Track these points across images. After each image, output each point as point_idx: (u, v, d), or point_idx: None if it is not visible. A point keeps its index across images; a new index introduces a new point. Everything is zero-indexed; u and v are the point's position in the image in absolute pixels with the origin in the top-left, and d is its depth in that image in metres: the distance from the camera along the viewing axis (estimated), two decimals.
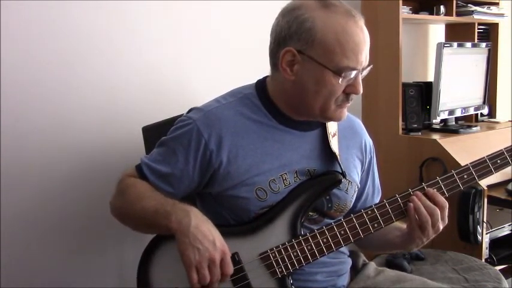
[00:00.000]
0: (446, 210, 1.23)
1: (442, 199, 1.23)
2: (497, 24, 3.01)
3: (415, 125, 2.53)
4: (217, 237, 1.14)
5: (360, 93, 1.21)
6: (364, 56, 1.19)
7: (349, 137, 1.38)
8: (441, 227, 1.23)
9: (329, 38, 1.15)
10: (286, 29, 1.19)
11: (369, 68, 1.22)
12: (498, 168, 1.28)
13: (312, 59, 1.17)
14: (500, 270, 1.91)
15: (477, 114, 2.96)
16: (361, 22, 1.19)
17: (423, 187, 1.25)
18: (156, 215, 1.16)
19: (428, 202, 1.22)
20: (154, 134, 1.47)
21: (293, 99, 1.24)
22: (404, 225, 1.28)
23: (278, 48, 1.21)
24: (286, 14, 1.20)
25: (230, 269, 1.14)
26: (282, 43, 1.20)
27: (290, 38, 1.18)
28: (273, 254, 1.20)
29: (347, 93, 1.21)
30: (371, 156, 1.44)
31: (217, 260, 1.12)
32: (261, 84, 1.31)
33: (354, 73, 1.18)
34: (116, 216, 1.29)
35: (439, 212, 1.21)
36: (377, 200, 1.47)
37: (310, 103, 1.21)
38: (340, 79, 1.17)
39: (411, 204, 1.22)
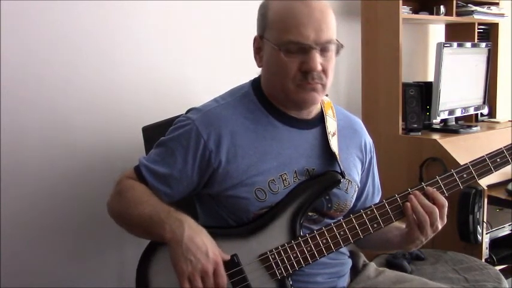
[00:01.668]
0: (446, 209, 1.23)
1: (441, 197, 1.23)
2: (497, 24, 3.01)
3: (415, 125, 2.53)
4: (210, 248, 1.13)
5: (314, 69, 1.19)
6: (313, 31, 1.18)
7: (349, 136, 1.38)
8: (440, 227, 1.23)
9: (275, 17, 1.22)
10: (256, 22, 1.28)
11: (332, 46, 1.21)
12: (498, 167, 1.28)
13: (268, 41, 1.23)
14: (500, 270, 1.91)
15: (477, 114, 2.96)
16: (315, 3, 1.21)
17: (422, 187, 1.24)
18: (151, 222, 1.16)
19: (426, 201, 1.22)
20: (154, 134, 1.47)
21: (270, 88, 1.28)
22: (403, 225, 1.27)
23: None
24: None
25: (223, 280, 1.14)
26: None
27: (256, 28, 1.28)
28: (273, 256, 1.20)
29: (303, 72, 1.20)
30: (371, 156, 1.44)
31: (210, 271, 1.12)
32: (256, 82, 1.33)
33: (299, 47, 1.18)
34: (112, 218, 1.29)
35: (437, 211, 1.21)
36: (377, 199, 1.46)
37: (275, 87, 1.25)
38: (282, 53, 1.19)
39: (408, 203, 1.22)
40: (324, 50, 1.20)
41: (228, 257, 1.17)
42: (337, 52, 1.25)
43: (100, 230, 1.92)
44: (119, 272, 2.02)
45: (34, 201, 1.82)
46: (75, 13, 1.84)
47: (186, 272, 1.10)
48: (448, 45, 2.54)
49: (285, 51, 1.19)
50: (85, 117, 1.90)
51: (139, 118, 1.85)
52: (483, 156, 1.28)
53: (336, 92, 2.66)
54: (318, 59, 1.19)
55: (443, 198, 1.23)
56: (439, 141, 2.39)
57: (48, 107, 1.82)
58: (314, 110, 1.32)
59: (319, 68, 1.19)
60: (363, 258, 1.49)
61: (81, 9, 1.84)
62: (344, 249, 1.36)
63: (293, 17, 1.19)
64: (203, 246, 1.12)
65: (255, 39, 1.28)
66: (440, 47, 2.48)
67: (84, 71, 1.89)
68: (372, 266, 1.48)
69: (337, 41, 1.23)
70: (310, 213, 1.27)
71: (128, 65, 1.99)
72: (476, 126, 2.73)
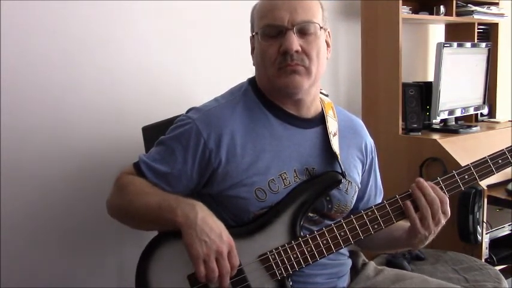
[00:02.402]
0: (447, 205, 1.21)
1: (440, 193, 1.21)
2: (497, 24, 3.01)
3: (415, 125, 2.53)
4: (223, 230, 1.14)
5: (290, 48, 1.19)
6: (288, 13, 1.20)
7: (350, 137, 1.38)
8: (443, 221, 1.21)
9: (257, 10, 1.28)
10: None
11: (312, 28, 1.22)
12: (499, 168, 1.27)
13: (254, 34, 1.28)
14: (500, 270, 1.91)
15: (477, 114, 2.96)
16: None
17: None
18: (160, 210, 1.16)
19: (429, 190, 1.20)
20: (154, 134, 1.47)
21: (261, 81, 1.30)
22: (408, 224, 1.26)
23: None
24: None
25: (237, 261, 1.14)
26: None
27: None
28: (273, 256, 1.20)
29: (283, 54, 1.21)
30: (372, 157, 1.43)
31: (225, 252, 1.12)
32: (253, 80, 1.34)
33: (276, 31, 1.20)
34: (114, 215, 1.28)
35: (439, 201, 1.19)
36: (379, 200, 1.46)
37: (263, 77, 1.28)
38: (260, 38, 1.23)
39: (408, 202, 1.21)
40: (302, 32, 1.21)
41: None
42: (328, 45, 1.28)
43: (100, 230, 1.92)
44: (119, 272, 2.02)
45: (34, 202, 1.82)
46: (76, 13, 1.84)
47: (201, 254, 1.10)
48: (448, 45, 2.54)
49: (262, 36, 1.23)
50: (85, 117, 1.90)
51: (140, 118, 1.85)
52: (485, 157, 1.27)
53: (336, 92, 2.66)
54: (294, 40, 1.19)
55: (443, 194, 1.22)
56: (439, 141, 2.39)
57: (48, 107, 1.82)
58: (313, 108, 1.32)
59: (296, 47, 1.19)
60: (362, 258, 1.49)
61: (81, 9, 1.84)
62: (344, 250, 1.36)
63: (270, 3, 1.23)
64: (216, 228, 1.13)
65: (250, 39, 1.32)
66: (440, 47, 2.48)
67: (84, 71, 1.88)
68: (372, 265, 1.47)
69: (323, 26, 1.24)
70: (310, 214, 1.27)
71: (128, 65, 1.98)
72: (476, 126, 2.73)
